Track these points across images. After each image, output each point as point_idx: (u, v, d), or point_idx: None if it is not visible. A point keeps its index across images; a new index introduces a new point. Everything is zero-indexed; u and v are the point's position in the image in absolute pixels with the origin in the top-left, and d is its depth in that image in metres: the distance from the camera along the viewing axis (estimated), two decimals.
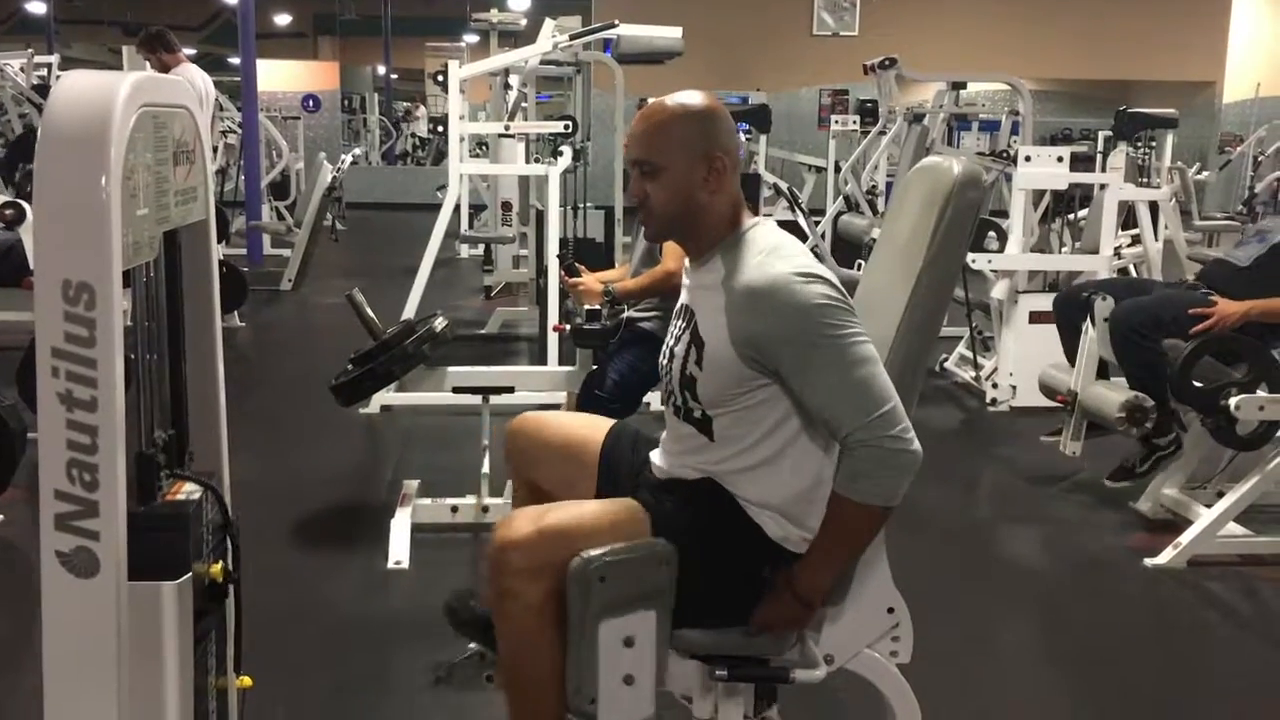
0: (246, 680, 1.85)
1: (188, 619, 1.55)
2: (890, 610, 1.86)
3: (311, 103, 16.25)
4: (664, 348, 1.91)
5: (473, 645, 1.98)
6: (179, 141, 1.62)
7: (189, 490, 1.61)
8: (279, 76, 16.72)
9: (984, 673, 2.86)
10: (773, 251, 1.74)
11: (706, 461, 1.81)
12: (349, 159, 9.09)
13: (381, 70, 22.20)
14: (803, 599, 1.74)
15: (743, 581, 1.77)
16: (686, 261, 1.90)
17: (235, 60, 12.06)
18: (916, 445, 1.66)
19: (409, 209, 14.53)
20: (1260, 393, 3.40)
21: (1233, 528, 3.56)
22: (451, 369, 3.58)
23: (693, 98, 1.80)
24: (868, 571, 1.83)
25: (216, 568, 1.65)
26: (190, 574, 1.55)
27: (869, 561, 1.82)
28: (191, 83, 1.92)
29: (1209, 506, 3.61)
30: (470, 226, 8.84)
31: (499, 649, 1.74)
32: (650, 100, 1.87)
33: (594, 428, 2.04)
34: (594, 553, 1.64)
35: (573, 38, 5.49)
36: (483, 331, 6.86)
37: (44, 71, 10.51)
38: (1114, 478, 3.96)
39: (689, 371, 1.79)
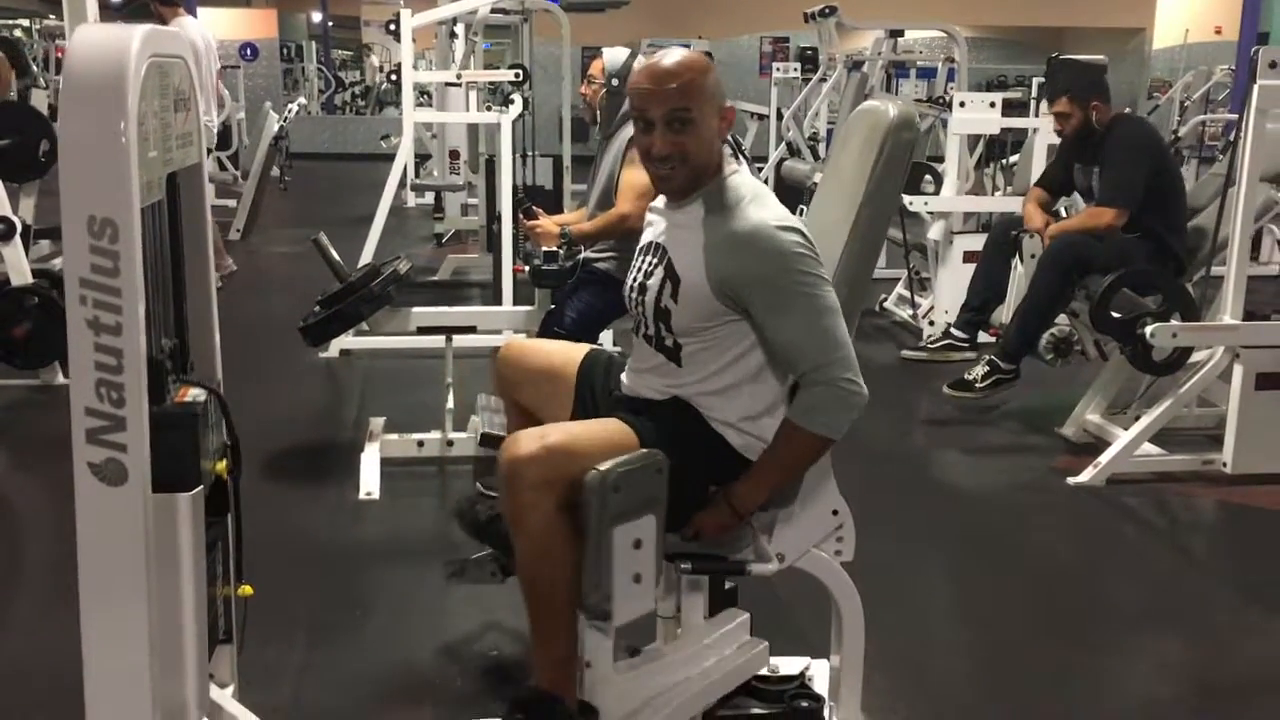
0: (248, 589, 2.01)
1: (200, 527, 1.71)
2: (835, 513, 2.05)
3: (249, 51, 16.00)
4: (630, 281, 2.07)
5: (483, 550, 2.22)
6: (178, 89, 1.75)
7: (195, 394, 1.75)
8: (215, 24, 16.40)
9: (917, 580, 3.11)
10: (753, 200, 1.92)
11: (673, 385, 1.99)
12: (294, 108, 9.05)
13: (318, 18, 21.81)
14: (737, 510, 1.94)
15: (708, 487, 1.95)
16: (661, 201, 2.05)
17: None
18: (865, 389, 1.86)
19: (352, 159, 14.45)
20: (1173, 321, 3.66)
21: (1148, 448, 3.84)
22: (416, 309, 3.72)
23: (693, 52, 1.93)
24: (815, 478, 2.02)
25: (222, 464, 1.81)
26: (202, 487, 1.70)
27: (817, 469, 2.00)
28: (201, 36, 2.04)
29: (1128, 430, 3.88)
30: (416, 175, 8.88)
31: (518, 555, 1.88)
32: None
33: (571, 353, 2.22)
34: (607, 465, 1.78)
35: None
36: (435, 278, 6.97)
37: None
38: (954, 387, 4.29)
39: (664, 304, 1.95)
